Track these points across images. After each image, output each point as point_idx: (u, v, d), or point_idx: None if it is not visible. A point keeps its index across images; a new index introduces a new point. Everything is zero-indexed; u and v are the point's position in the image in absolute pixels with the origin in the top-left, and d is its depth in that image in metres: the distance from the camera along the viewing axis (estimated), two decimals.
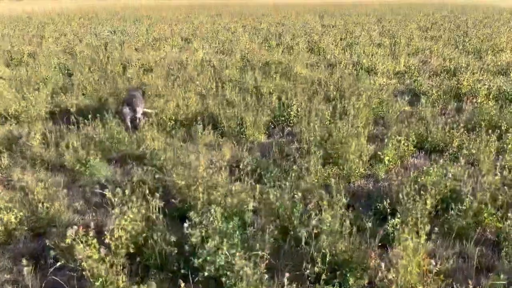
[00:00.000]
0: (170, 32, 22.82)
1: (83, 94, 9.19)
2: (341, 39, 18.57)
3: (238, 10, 50.00)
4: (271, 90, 8.88)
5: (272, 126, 7.44)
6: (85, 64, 11.68)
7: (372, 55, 13.78)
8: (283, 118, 7.55)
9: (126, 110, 7.10)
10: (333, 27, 25.56)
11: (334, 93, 8.72)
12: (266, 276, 3.31)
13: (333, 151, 5.74)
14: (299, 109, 7.41)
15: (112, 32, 21.92)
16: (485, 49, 14.29)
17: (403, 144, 5.81)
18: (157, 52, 15.88)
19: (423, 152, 6.22)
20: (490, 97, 7.86)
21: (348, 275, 3.53)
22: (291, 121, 7.49)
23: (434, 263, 3.29)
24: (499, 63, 11.30)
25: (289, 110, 7.51)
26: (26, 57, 13.47)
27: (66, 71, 11.56)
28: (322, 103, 8.09)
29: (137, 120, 7.23)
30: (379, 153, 5.75)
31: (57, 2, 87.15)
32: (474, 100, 7.85)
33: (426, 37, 18.76)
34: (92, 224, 3.47)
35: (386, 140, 5.89)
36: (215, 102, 7.94)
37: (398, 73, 11.65)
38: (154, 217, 4.05)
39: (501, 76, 10.60)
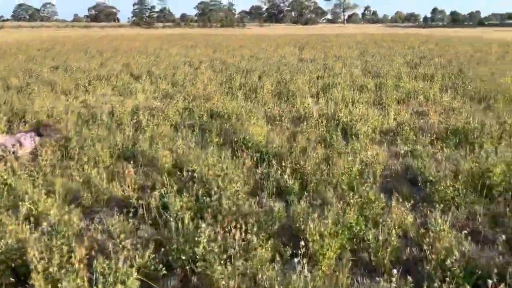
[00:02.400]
0: (124, 67, 19.78)
1: None
2: (317, 78, 15.71)
3: (217, 40, 47.69)
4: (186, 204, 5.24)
5: None
6: None
7: (353, 103, 10.81)
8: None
9: None
10: (311, 61, 22.88)
11: (291, 182, 5.56)
12: None
13: None
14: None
15: (53, 68, 18.77)
16: (493, 96, 11.44)
17: None
18: (87, 96, 12.73)
19: None
20: None
21: None
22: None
23: None
24: None
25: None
26: None
27: None
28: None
29: None
30: None
31: (36, 31, 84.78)
32: None
33: (416, 75, 15.99)
34: None
35: None
36: None
37: (387, 133, 8.61)
38: None
39: None
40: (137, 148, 7.16)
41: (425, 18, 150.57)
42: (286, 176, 5.63)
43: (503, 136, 7.56)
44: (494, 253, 4.03)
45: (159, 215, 4.71)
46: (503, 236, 3.79)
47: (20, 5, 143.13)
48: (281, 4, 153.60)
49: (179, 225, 4.23)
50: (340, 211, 4.51)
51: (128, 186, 5.52)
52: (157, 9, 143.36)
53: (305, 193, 5.12)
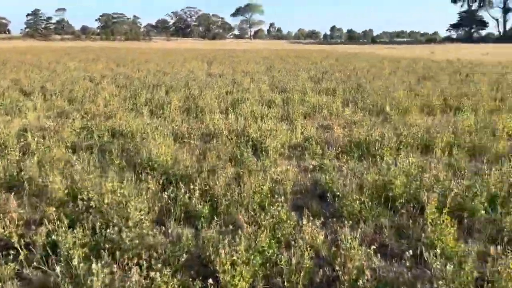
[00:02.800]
0: (13, 82, 17.86)
1: None
2: (226, 93, 15.61)
3: (121, 54, 45.75)
4: None
5: None
6: None
7: (261, 118, 10.83)
8: None
9: None
10: (220, 76, 22.84)
11: (201, 206, 5.21)
12: None
13: None
14: None
15: None
16: (392, 109, 12.25)
17: None
18: None
19: None
20: (445, 211, 4.76)
21: None
22: None
23: None
24: (414, 131, 9.00)
25: None
26: None
27: None
28: None
29: None
30: None
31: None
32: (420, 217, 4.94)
33: (320, 90, 16.69)
34: None
35: None
36: None
37: (295, 148, 8.70)
38: None
39: (424, 155, 8.20)
40: (23, 176, 6.27)
41: (325, 35, 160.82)
42: (194, 200, 5.27)
43: (401, 147, 8.01)
44: (402, 268, 4.09)
45: (46, 256, 4.06)
46: (410, 252, 3.86)
47: None
48: (188, 19, 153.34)
49: (70, 267, 3.66)
50: (251, 235, 4.28)
51: (10, 222, 4.73)
52: (54, 21, 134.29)
53: (215, 217, 4.82)
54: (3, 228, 4.73)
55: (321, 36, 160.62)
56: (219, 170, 6.41)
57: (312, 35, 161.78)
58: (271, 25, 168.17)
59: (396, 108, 12.25)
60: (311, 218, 4.61)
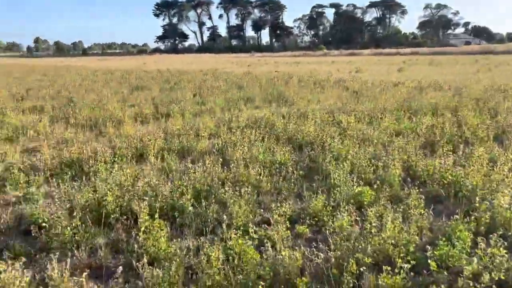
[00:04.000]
0: None
1: None
2: None
3: None
4: None
5: None
6: None
7: None
8: None
9: None
10: None
11: None
12: None
13: None
14: None
15: None
16: (102, 122, 11.97)
17: None
18: None
19: None
20: (156, 216, 4.88)
21: None
22: None
23: None
24: (128, 141, 9.05)
25: None
26: None
27: None
28: None
29: None
30: None
31: None
32: None
33: (23, 109, 14.82)
34: None
35: None
36: None
37: None
38: None
39: (139, 163, 8.36)
40: None
41: (29, 48, 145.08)
42: None
43: (116, 160, 7.92)
44: (117, 286, 3.98)
45: None
46: (120, 267, 3.79)
47: None
48: None
49: None
50: None
51: None
52: None
53: None
54: None
55: (24, 49, 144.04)
56: None
57: (12, 48, 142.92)
58: None
59: (110, 120, 12.13)
60: (9, 262, 3.92)
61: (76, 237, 4.79)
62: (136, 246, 4.40)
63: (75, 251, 4.44)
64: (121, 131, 11.08)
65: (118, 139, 9.70)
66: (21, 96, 18.71)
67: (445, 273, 3.94)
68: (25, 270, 3.94)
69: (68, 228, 4.79)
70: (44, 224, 4.89)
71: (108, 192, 5.50)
